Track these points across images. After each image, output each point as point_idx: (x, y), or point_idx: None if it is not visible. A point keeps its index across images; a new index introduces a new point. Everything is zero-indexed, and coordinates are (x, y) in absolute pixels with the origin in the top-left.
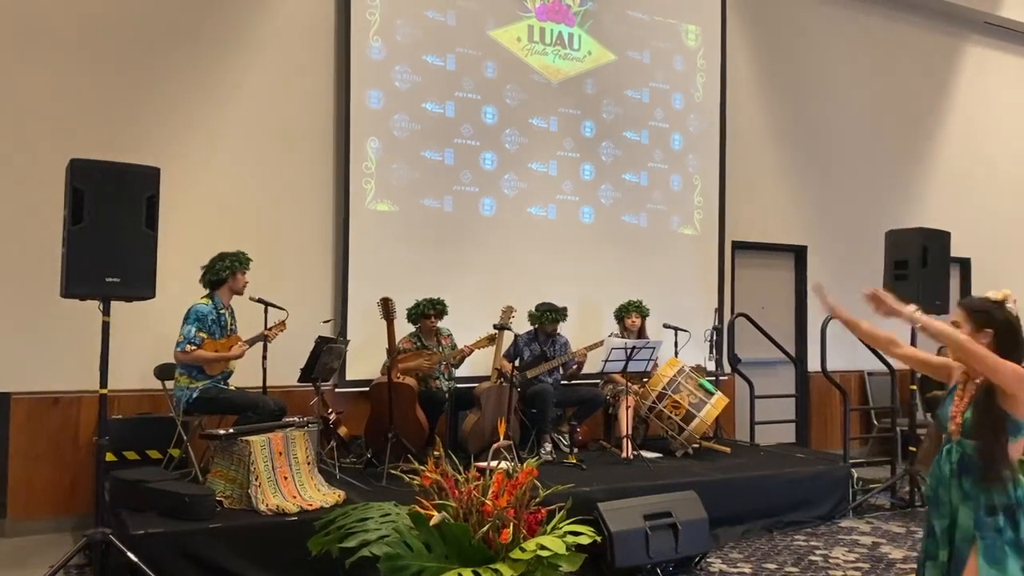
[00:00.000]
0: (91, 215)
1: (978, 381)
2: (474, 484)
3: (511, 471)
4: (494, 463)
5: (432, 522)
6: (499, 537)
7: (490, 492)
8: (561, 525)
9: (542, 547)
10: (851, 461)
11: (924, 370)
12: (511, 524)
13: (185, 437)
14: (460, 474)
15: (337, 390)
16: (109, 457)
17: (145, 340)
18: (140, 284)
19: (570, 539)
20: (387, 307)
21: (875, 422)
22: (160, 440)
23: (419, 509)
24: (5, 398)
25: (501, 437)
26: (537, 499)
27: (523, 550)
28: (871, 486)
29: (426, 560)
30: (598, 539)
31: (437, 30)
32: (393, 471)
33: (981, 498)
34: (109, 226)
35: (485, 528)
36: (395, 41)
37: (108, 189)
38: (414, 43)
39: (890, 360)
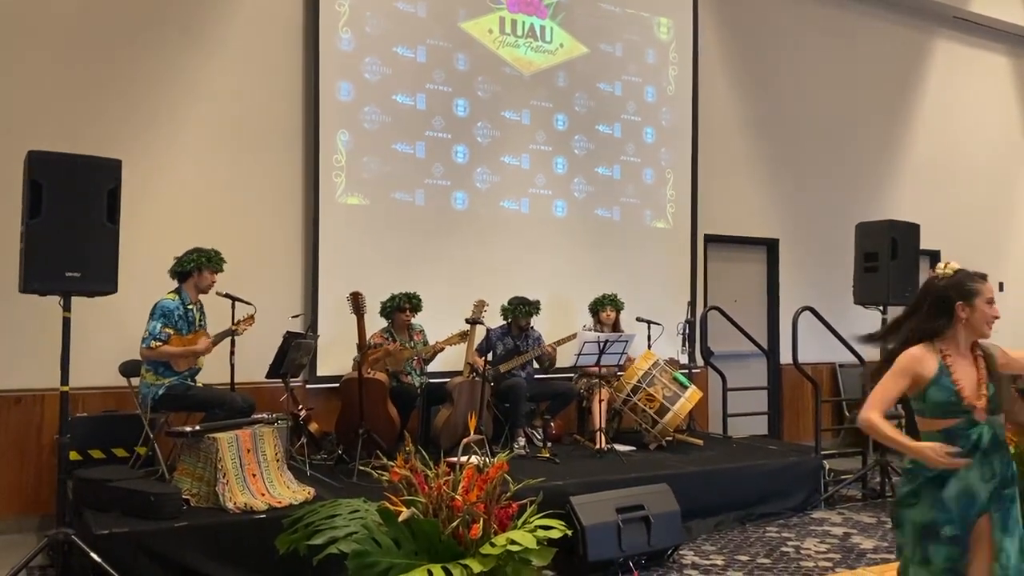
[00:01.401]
0: (50, 208)
1: (977, 353)
2: (444, 479)
3: (481, 466)
4: (464, 458)
5: (400, 518)
6: (469, 532)
7: (460, 487)
8: (532, 519)
9: (512, 542)
10: (823, 452)
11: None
12: (481, 519)
13: (152, 435)
14: (430, 469)
15: (308, 386)
16: (74, 456)
17: (112, 337)
18: (101, 279)
19: (540, 533)
20: (357, 302)
21: (846, 413)
22: (126, 438)
23: (388, 505)
24: None
25: (471, 432)
26: (508, 494)
27: (493, 545)
28: (842, 477)
29: (395, 557)
30: (568, 533)
31: (407, 21)
32: (362, 467)
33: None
34: (69, 220)
35: (455, 524)
36: (364, 32)
37: (68, 182)
38: (384, 35)
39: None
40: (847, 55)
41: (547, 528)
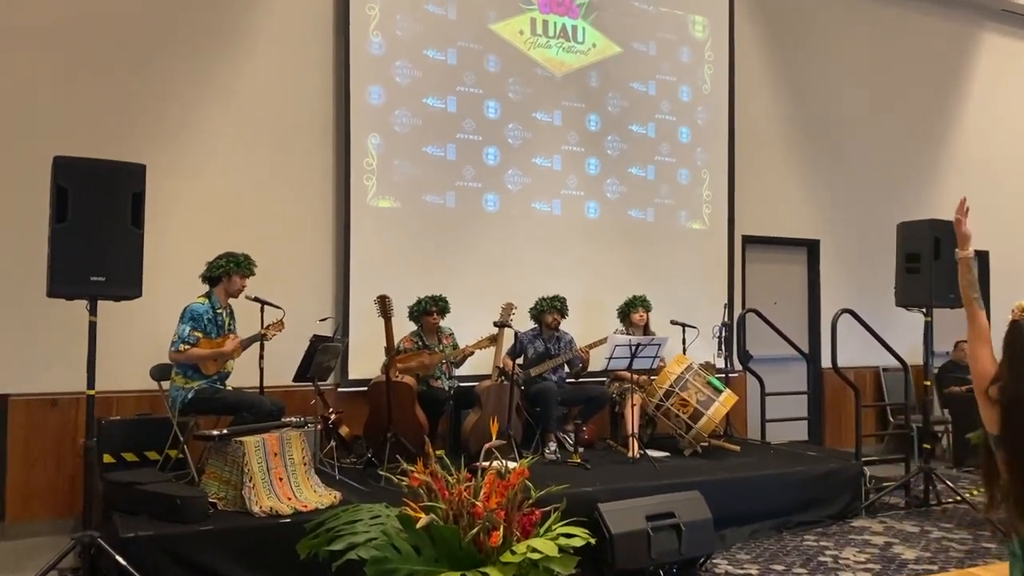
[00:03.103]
0: (75, 213)
1: None
2: (465, 485)
3: (503, 471)
4: (487, 463)
5: (418, 525)
6: (489, 540)
7: (481, 493)
8: (555, 527)
9: (533, 550)
10: (863, 459)
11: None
12: (501, 526)
13: (182, 438)
14: (451, 475)
15: (339, 389)
16: (107, 459)
17: (147, 340)
18: (126, 283)
19: (563, 541)
20: (384, 305)
21: (890, 419)
22: (159, 441)
23: (408, 511)
24: (3, 400)
25: (493, 437)
26: (530, 500)
27: (514, 553)
28: (884, 484)
29: (414, 563)
30: (592, 541)
31: (437, 24)
32: (382, 472)
33: None
34: (94, 224)
35: (475, 530)
36: (395, 36)
37: (93, 187)
38: (414, 37)
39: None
40: (890, 50)
41: (569, 536)
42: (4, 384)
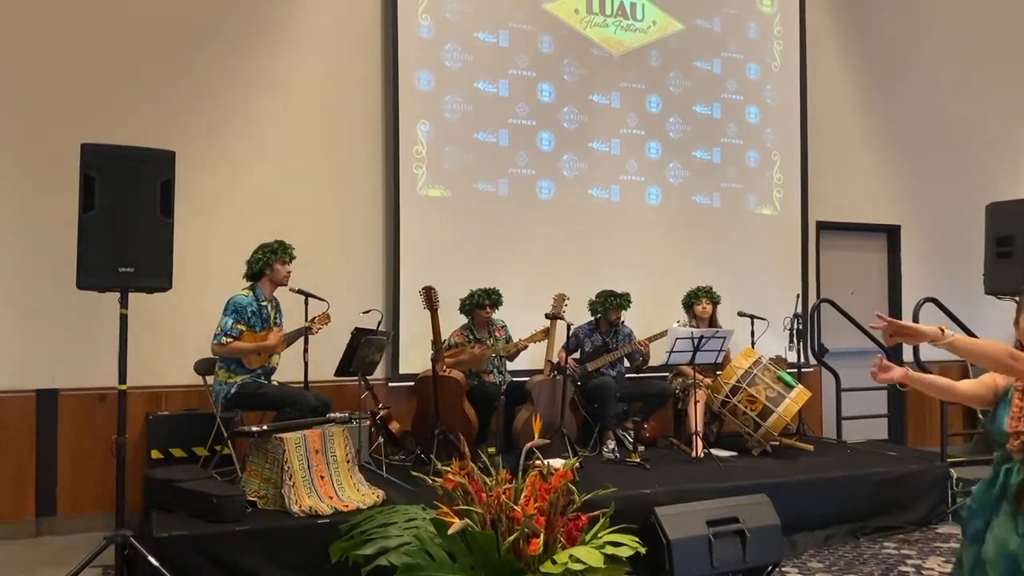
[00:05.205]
0: (102, 202)
1: None
2: (504, 487)
3: (545, 473)
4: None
5: (450, 531)
6: (529, 547)
7: (522, 496)
8: (602, 534)
9: (575, 559)
10: (949, 460)
11: (983, 404)
12: (541, 533)
13: (225, 434)
14: (489, 475)
15: (390, 384)
16: (155, 454)
17: (196, 334)
18: (155, 274)
19: (609, 550)
20: (429, 296)
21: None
22: (206, 437)
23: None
24: (53, 395)
25: (536, 435)
26: (575, 504)
27: (554, 562)
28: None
29: (448, 571)
30: (641, 549)
31: (488, 5)
32: (415, 473)
33: None
34: (122, 214)
35: (513, 537)
36: (444, 19)
37: (120, 175)
38: (464, 20)
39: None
40: (975, 17)
41: (617, 544)
42: (54, 379)
